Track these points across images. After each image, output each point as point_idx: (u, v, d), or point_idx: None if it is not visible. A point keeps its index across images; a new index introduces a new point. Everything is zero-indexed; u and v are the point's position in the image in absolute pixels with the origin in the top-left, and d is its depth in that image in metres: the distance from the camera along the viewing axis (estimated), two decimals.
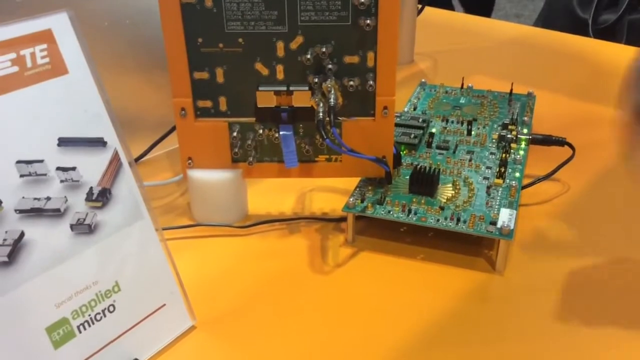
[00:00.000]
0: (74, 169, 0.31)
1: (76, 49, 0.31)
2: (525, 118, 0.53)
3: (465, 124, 0.52)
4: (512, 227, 0.39)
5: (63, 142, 0.30)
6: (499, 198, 0.42)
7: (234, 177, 0.44)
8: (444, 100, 0.57)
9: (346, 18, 0.39)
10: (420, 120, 0.51)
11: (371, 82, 0.41)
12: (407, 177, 0.44)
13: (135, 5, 0.54)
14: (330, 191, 0.48)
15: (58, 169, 0.30)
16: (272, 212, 0.46)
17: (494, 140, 0.50)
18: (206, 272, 0.40)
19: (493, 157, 0.48)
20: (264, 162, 0.44)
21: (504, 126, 0.51)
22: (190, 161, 0.44)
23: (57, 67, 0.31)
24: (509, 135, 0.49)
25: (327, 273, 0.40)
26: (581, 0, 0.99)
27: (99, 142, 0.32)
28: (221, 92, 0.42)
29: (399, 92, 0.62)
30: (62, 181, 0.30)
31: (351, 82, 0.40)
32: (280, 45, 0.40)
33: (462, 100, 0.57)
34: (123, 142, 0.33)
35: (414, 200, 0.42)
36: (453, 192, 0.43)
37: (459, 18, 0.89)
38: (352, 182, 0.44)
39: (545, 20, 1.04)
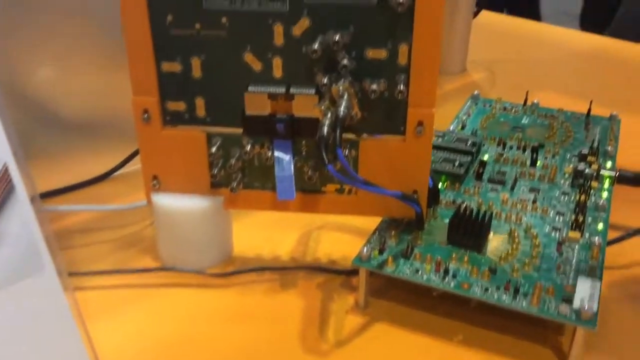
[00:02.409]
0: None
1: None
2: (609, 147, 0.40)
3: (528, 151, 0.40)
4: (595, 309, 0.26)
5: None
6: (574, 261, 0.30)
7: (212, 207, 0.33)
8: (502, 119, 0.45)
9: None
10: (469, 143, 0.39)
11: (402, 87, 0.29)
12: (446, 220, 0.32)
13: None
14: (345, 230, 0.36)
15: None
16: (263, 255, 0.35)
17: (566, 175, 0.37)
18: (157, 339, 0.29)
19: (566, 198, 0.35)
20: (253, 189, 0.33)
21: (582, 157, 0.38)
22: (155, 182, 0.33)
23: None
24: (587, 170, 0.37)
25: (325, 354, 0.28)
26: None
27: None
28: (198, 91, 0.31)
29: (446, 107, 0.50)
30: None
31: (374, 86, 0.29)
32: (278, 29, 0.29)
33: (525, 120, 0.45)
34: (18, 153, 0.22)
35: (454, 255, 0.30)
36: (509, 247, 0.31)
37: (520, 24, 0.77)
38: (376, 220, 0.33)
39: (615, 31, 0.92)
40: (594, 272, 0.29)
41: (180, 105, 0.31)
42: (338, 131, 0.27)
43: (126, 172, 0.43)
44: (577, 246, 0.31)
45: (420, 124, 0.30)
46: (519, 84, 0.57)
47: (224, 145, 0.32)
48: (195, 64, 0.30)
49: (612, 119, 0.45)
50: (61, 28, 0.44)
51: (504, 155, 0.40)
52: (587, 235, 0.32)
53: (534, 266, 0.29)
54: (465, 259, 0.30)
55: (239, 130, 0.31)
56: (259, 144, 0.31)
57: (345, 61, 0.29)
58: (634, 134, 0.46)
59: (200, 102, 0.31)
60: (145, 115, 0.31)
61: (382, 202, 0.32)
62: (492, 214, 0.32)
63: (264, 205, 0.33)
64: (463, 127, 0.44)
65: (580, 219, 0.32)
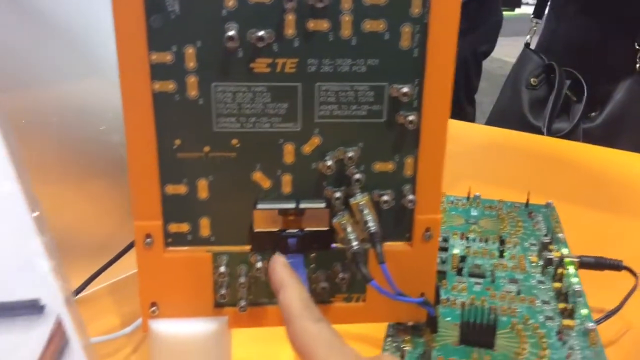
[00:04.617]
0: None
1: None
2: (560, 235, 0.44)
3: (490, 243, 0.43)
4: None
5: None
6: (578, 348, 0.32)
7: (216, 329, 0.31)
8: (452, 212, 0.48)
9: (379, 113, 0.29)
10: (441, 238, 0.41)
11: (410, 197, 0.30)
12: (449, 319, 0.33)
13: (67, 100, 0.43)
14: (345, 337, 0.36)
15: None
16: None
17: (533, 264, 0.40)
18: None
19: (544, 287, 0.38)
20: (260, 306, 0.32)
21: (544, 246, 0.41)
22: (154, 308, 0.31)
23: None
24: (554, 258, 0.40)
25: None
26: (532, 106, 0.96)
27: (30, 307, 0.19)
28: (203, 212, 0.30)
29: None
30: None
31: (385, 197, 0.30)
32: (289, 148, 0.30)
33: (474, 213, 0.48)
34: (71, 302, 0.20)
35: (474, 355, 0.31)
36: (517, 340, 0.32)
37: None
38: (369, 326, 0.33)
39: (496, 125, 1.00)
40: (600, 357, 0.31)
41: (183, 227, 0.30)
42: (379, 248, 0.27)
43: (87, 294, 0.41)
44: (573, 333, 0.33)
45: (427, 229, 0.31)
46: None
47: (230, 264, 0.31)
48: (202, 185, 0.30)
49: (549, 206, 0.49)
50: None
51: (471, 248, 0.42)
52: (578, 321, 0.34)
53: (549, 358, 0.31)
54: (487, 358, 0.31)
55: (247, 248, 0.31)
56: (267, 260, 0.31)
57: (358, 175, 0.29)
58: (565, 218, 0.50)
59: (205, 222, 0.30)
60: (148, 240, 0.30)
61: (391, 307, 0.32)
62: (496, 312, 0.33)
63: (272, 321, 0.32)
64: None
65: (569, 306, 0.35)
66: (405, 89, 0.28)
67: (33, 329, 0.19)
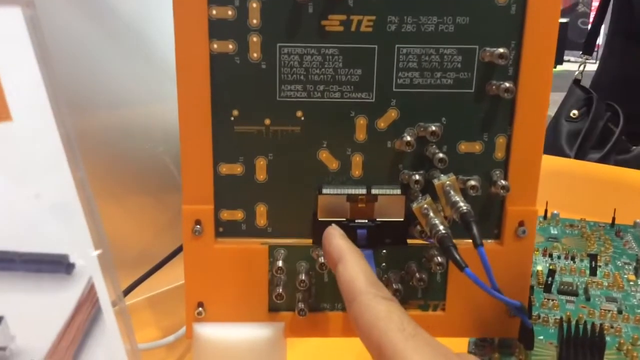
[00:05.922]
0: None
1: (33, 77, 0.16)
2: None
3: (578, 260, 0.37)
4: None
5: None
6: None
7: (270, 337, 0.27)
8: None
9: (468, 82, 0.25)
10: None
11: (502, 182, 0.26)
12: (541, 337, 0.28)
13: (114, 120, 0.40)
14: None
15: None
16: None
17: (631, 282, 0.35)
18: None
19: None
20: (322, 312, 0.27)
21: None
22: (201, 309, 0.27)
23: None
24: None
25: None
26: (569, 138, 0.93)
27: (59, 264, 0.15)
28: (260, 197, 0.26)
29: None
30: None
31: (472, 182, 0.25)
32: (361, 122, 0.26)
33: (554, 231, 0.43)
34: (107, 265, 0.16)
35: None
36: None
37: None
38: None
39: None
40: None
41: (237, 214, 0.26)
42: (474, 228, 0.23)
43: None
44: None
45: (521, 224, 0.26)
46: None
47: (289, 258, 0.27)
48: (260, 165, 0.26)
49: (637, 226, 0.44)
50: None
51: (557, 265, 0.37)
52: None
53: None
54: None
55: (309, 241, 0.27)
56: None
57: (440, 154, 0.25)
58: None
59: (261, 210, 0.26)
60: (197, 227, 0.26)
61: (475, 319, 0.27)
62: (602, 327, 0.28)
63: (335, 330, 0.28)
64: None
65: None
66: (501, 50, 0.24)
67: (61, 290, 0.15)
